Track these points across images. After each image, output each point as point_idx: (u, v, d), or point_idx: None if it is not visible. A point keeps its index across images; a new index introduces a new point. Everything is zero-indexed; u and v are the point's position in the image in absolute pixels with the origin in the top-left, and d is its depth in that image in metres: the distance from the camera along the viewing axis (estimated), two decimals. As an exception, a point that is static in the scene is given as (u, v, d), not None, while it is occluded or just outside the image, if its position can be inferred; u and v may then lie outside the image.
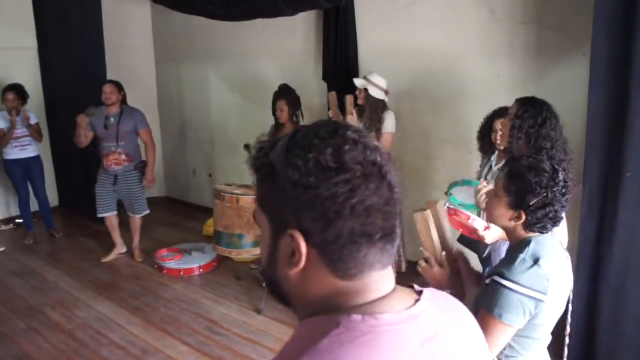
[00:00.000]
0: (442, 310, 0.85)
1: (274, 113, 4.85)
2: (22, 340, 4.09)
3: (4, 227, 6.69)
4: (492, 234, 2.34)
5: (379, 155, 0.77)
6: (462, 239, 3.10)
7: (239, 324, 4.22)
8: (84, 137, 5.21)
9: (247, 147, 4.76)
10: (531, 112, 2.62)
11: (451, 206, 2.41)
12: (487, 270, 3.04)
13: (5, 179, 6.39)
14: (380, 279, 0.79)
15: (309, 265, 0.76)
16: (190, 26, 6.51)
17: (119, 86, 5.23)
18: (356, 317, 0.74)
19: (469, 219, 2.34)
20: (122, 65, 6.55)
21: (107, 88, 5.16)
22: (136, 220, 5.53)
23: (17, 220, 6.72)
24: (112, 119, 5.16)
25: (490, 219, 1.88)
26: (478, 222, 2.33)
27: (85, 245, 6.09)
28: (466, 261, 1.95)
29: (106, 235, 5.77)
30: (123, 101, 5.27)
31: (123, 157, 5.20)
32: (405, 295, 0.82)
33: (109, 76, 6.09)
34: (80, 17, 6.27)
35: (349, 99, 4.46)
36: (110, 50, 6.35)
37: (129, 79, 5.88)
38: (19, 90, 5.87)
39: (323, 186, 0.72)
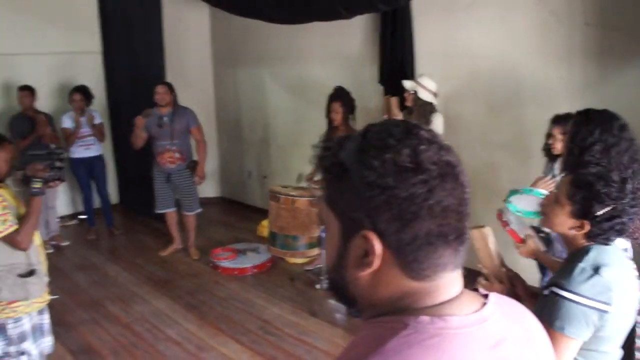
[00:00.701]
0: (508, 315, 0.83)
1: (328, 115, 4.86)
2: (85, 330, 4.25)
3: (68, 223, 6.96)
4: (526, 250, 2.26)
5: (452, 156, 0.76)
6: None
7: (292, 325, 4.24)
8: (140, 138, 5.38)
9: (300, 178, 4.81)
10: (583, 132, 2.49)
11: (498, 212, 2.38)
12: (545, 279, 2.95)
13: (71, 176, 6.65)
14: (450, 281, 0.78)
15: (381, 267, 0.76)
16: (247, 29, 6.62)
17: (171, 87, 5.40)
18: (424, 318, 0.73)
19: (506, 226, 2.30)
20: (181, 68, 6.73)
21: (161, 89, 5.33)
22: (190, 218, 5.66)
23: (80, 216, 7.00)
24: (165, 118, 5.32)
25: (549, 225, 1.82)
26: (516, 234, 2.27)
27: (143, 243, 6.26)
28: (522, 279, 1.91)
29: (163, 233, 5.93)
30: (174, 101, 5.42)
31: (177, 155, 5.33)
32: (472, 299, 0.81)
33: (169, 79, 6.26)
34: (142, 23, 6.49)
35: (394, 101, 4.44)
36: (170, 53, 6.53)
37: (187, 82, 6.05)
38: (84, 92, 6.11)
39: (400, 187, 0.71)
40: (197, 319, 4.38)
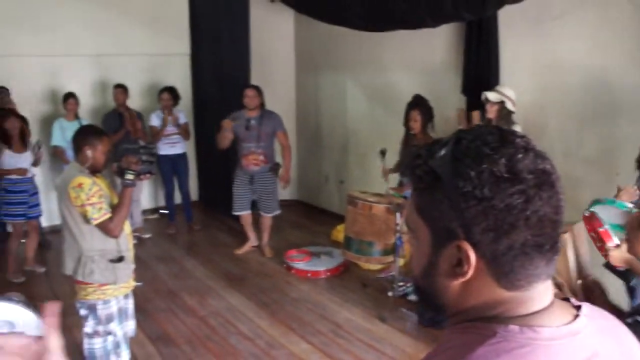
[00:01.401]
0: (601, 329, 0.80)
1: (406, 123, 4.84)
2: (162, 319, 4.43)
3: (150, 216, 7.27)
4: (619, 256, 2.15)
5: (547, 163, 0.75)
6: (608, 265, 2.89)
7: (362, 330, 4.24)
8: (227, 139, 5.54)
9: (383, 152, 4.80)
10: None
11: (589, 213, 2.28)
12: (636, 301, 2.81)
13: (155, 172, 6.95)
14: (542, 291, 0.77)
15: (474, 276, 0.75)
16: (330, 36, 6.69)
17: (259, 91, 5.52)
18: (514, 327, 0.73)
19: (601, 226, 2.19)
20: (264, 71, 6.88)
21: (250, 92, 5.46)
22: (267, 219, 5.77)
23: (161, 211, 7.30)
24: (253, 121, 5.44)
25: (633, 252, 1.72)
26: (610, 236, 2.16)
27: (220, 239, 6.45)
28: (603, 292, 1.82)
29: (239, 231, 6.08)
30: (262, 105, 5.54)
31: (262, 157, 5.45)
32: (563, 310, 0.79)
33: (253, 82, 6.42)
34: (229, 26, 6.70)
35: (475, 115, 4.37)
36: (255, 57, 6.70)
37: (270, 86, 6.18)
38: (173, 92, 6.39)
39: (497, 198, 0.70)
40: (269, 317, 4.46)
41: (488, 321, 0.75)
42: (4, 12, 6.14)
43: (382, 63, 6.24)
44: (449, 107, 5.25)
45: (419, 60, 5.78)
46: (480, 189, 0.71)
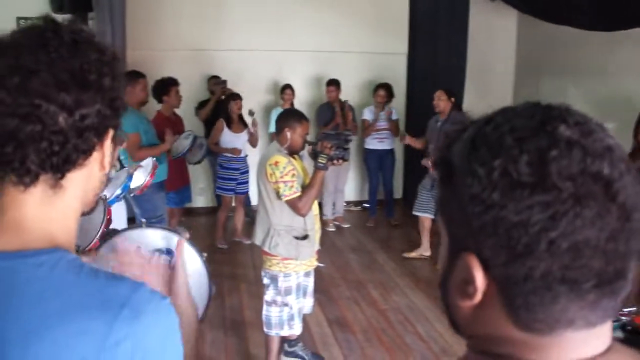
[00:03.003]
0: None
1: (635, 136, 4.26)
2: (343, 305, 4.57)
3: (353, 208, 7.55)
4: None
5: (607, 164, 0.52)
6: None
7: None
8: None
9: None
10: None
11: None
12: None
13: (362, 165, 7.18)
14: (582, 339, 0.56)
15: (485, 302, 0.57)
16: (555, 37, 6.20)
17: (449, 93, 5.37)
18: None
19: None
20: (481, 74, 6.67)
21: (436, 94, 5.40)
22: None
23: (364, 204, 7.51)
24: (439, 124, 5.34)
25: None
26: None
27: (415, 239, 6.39)
28: None
29: (435, 233, 5.93)
30: (455, 107, 5.36)
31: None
32: None
33: (468, 84, 6.27)
34: (448, 26, 6.62)
35: None
36: (472, 56, 6.51)
37: (487, 88, 5.96)
38: (388, 89, 6.52)
39: (511, 207, 0.52)
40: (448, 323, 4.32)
41: (497, 358, 0.59)
42: (240, 12, 6.90)
43: (609, 68, 5.60)
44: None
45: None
46: (489, 192, 0.53)
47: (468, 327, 0.63)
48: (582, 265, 0.52)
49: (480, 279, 0.56)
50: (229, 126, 5.71)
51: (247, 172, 5.95)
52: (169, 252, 1.26)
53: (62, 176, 0.78)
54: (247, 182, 5.98)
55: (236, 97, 5.83)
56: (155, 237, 1.30)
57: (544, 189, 0.51)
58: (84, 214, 0.89)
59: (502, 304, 0.57)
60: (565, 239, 0.51)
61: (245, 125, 5.88)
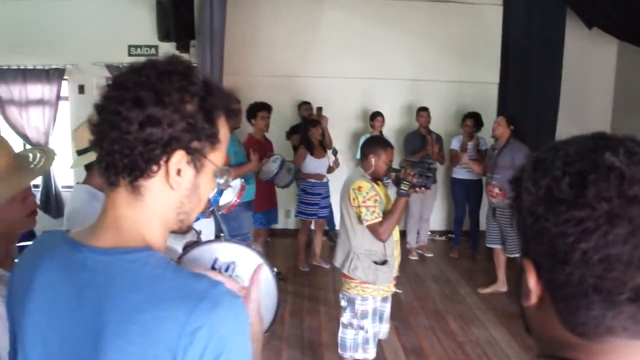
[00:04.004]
0: None
1: None
2: (421, 334, 4.53)
3: (437, 237, 7.46)
4: None
5: None
6: None
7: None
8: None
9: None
10: None
11: None
12: None
13: (449, 195, 7.10)
14: (630, 351, 0.61)
15: (540, 305, 0.66)
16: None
17: (510, 120, 5.25)
18: None
19: None
20: (575, 105, 6.44)
21: (497, 120, 5.32)
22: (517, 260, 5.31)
23: (449, 235, 7.40)
24: (496, 151, 5.22)
25: None
26: None
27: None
28: None
29: (513, 267, 5.68)
30: (514, 135, 5.21)
31: (497, 190, 5.09)
32: None
33: (561, 115, 6.08)
34: (542, 55, 6.49)
35: None
36: (567, 88, 6.32)
37: (580, 121, 5.75)
38: (476, 119, 6.45)
39: (552, 220, 0.61)
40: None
41: None
42: (332, 39, 7.12)
43: None
44: None
45: None
46: (536, 205, 0.63)
47: (536, 329, 0.71)
48: (614, 277, 0.58)
49: (532, 281, 0.66)
50: (311, 152, 5.87)
51: (328, 196, 6.08)
52: (239, 265, 1.34)
53: (134, 180, 0.90)
54: (328, 207, 6.09)
55: (316, 123, 5.98)
56: (230, 251, 1.37)
57: (579, 207, 0.59)
58: (175, 232, 1.01)
59: (553, 307, 0.65)
60: (597, 252, 0.58)
61: (326, 150, 6.02)
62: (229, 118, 0.98)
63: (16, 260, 1.06)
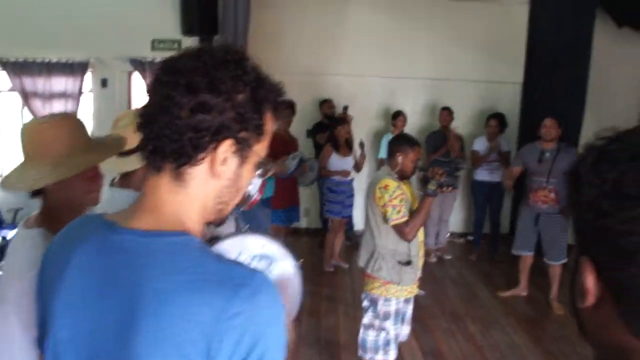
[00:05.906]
0: None
1: None
2: (440, 337, 4.49)
3: (457, 240, 7.39)
4: None
5: None
6: None
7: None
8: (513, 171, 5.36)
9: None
10: None
11: None
12: None
13: (470, 197, 7.03)
14: None
15: (599, 307, 0.61)
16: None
17: (560, 122, 5.11)
18: None
19: None
20: (601, 108, 6.32)
21: (548, 122, 5.10)
22: (554, 268, 5.17)
23: (468, 237, 7.34)
24: (547, 154, 5.05)
25: None
26: None
27: (517, 277, 6.13)
28: None
29: (534, 272, 5.60)
30: (562, 138, 5.11)
31: (552, 195, 4.97)
32: None
33: (587, 118, 5.98)
34: (568, 57, 6.35)
35: None
36: (593, 91, 6.21)
37: (607, 119, 5.63)
38: (501, 119, 6.38)
39: (617, 217, 0.57)
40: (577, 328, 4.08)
41: None
42: (355, 38, 7.07)
43: None
44: None
45: None
46: (600, 201, 0.59)
47: (593, 334, 0.66)
48: None
49: (591, 281, 0.61)
50: (337, 150, 5.82)
51: (352, 195, 6.01)
52: (264, 257, 1.33)
53: (180, 166, 0.89)
54: (351, 206, 6.05)
55: (343, 122, 5.94)
56: (256, 244, 1.36)
57: None
58: (212, 223, 1.00)
59: (615, 309, 0.60)
60: None
61: (351, 149, 5.97)
62: (276, 111, 0.97)
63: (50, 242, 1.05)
